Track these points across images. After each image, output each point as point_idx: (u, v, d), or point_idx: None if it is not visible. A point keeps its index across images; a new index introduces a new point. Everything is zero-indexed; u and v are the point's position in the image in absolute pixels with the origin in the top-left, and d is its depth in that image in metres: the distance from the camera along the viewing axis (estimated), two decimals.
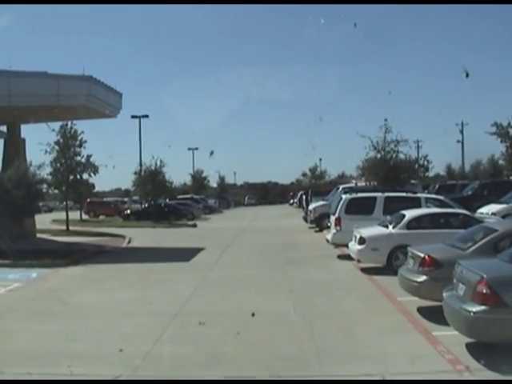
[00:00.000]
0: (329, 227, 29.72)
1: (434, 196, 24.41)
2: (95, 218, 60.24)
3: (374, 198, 21.94)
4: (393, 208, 20.60)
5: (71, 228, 38.38)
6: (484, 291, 8.41)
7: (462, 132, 69.18)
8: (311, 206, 36.43)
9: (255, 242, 29.40)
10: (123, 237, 32.06)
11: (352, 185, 36.34)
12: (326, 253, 22.85)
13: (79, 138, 35.64)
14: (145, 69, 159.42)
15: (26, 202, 25.68)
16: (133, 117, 60.48)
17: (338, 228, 21.82)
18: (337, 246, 22.71)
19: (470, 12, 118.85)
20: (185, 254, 23.42)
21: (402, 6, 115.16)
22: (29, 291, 16.11)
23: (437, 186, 40.17)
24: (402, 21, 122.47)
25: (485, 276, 8.52)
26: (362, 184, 35.92)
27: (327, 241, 23.23)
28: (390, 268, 17.06)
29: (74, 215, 53.95)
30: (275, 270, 19.00)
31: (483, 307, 8.38)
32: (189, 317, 12.28)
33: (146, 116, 61.70)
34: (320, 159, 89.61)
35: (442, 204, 21.00)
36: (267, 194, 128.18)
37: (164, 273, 19.08)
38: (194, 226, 45.67)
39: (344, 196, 22.74)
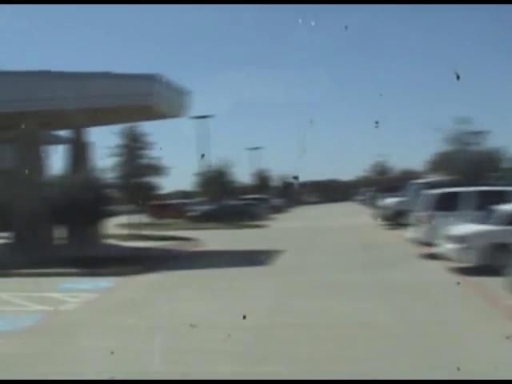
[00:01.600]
0: (407, 225, 28.50)
1: None
2: (160, 220, 59.64)
3: (467, 193, 20.36)
4: (486, 203, 19.05)
5: (138, 232, 37.45)
6: None
7: None
8: (385, 203, 34.87)
9: (331, 242, 28.00)
10: (193, 240, 30.99)
11: (428, 180, 34.60)
12: (410, 252, 21.48)
13: (145, 139, 34.87)
14: (137, 69, 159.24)
15: (96, 207, 25.03)
16: (197, 117, 60.29)
17: (427, 226, 20.25)
18: (424, 244, 21.17)
19: (466, 12, 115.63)
20: (261, 258, 22.22)
21: (393, 6, 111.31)
22: (103, 302, 15.18)
23: None
24: (394, 22, 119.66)
25: None
26: (436, 179, 34.14)
27: (411, 240, 21.65)
28: (488, 268, 15.52)
29: (138, 219, 53.56)
30: (361, 273, 17.67)
31: None
32: (278, 329, 11.08)
33: (211, 116, 61.31)
34: (381, 154, 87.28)
35: None
36: (328, 191, 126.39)
37: (243, 279, 17.80)
38: (262, 226, 44.63)
39: (433, 191, 21.12)
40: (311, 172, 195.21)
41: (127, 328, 12.06)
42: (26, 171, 23.34)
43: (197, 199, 70.97)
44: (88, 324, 12.69)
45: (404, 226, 31.48)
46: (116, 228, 45.33)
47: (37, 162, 26.36)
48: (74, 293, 16.15)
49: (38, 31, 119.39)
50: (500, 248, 15.57)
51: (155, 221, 58.38)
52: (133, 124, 34.16)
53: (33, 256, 21.31)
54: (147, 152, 35.12)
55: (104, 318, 13.16)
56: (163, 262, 22.37)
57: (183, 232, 38.12)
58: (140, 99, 24.55)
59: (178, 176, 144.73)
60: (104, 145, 34.91)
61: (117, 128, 34.28)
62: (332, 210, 70.50)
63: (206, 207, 58.53)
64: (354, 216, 50.73)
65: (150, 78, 24.81)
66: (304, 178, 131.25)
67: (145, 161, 35.27)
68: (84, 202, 23.64)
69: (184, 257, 24.76)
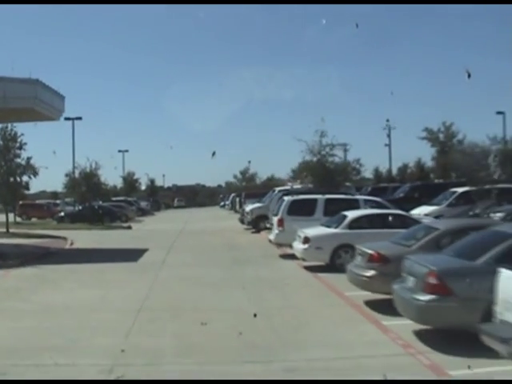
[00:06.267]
0: (267, 228, 30.81)
1: (371, 198, 25.55)
2: (28, 220, 59.53)
3: (315, 200, 23.07)
4: (333, 209, 21.75)
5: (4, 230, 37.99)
6: (434, 282, 9.46)
7: (389, 136, 70.46)
8: (248, 208, 37.41)
9: (196, 243, 30.04)
10: (65, 238, 32.17)
11: (288, 187, 37.44)
12: (269, 253, 23.91)
13: (19, 140, 35.66)
14: (146, 70, 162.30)
15: None
16: (66, 119, 60.05)
17: (281, 228, 22.81)
18: (279, 245, 23.75)
19: (470, 13, 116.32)
20: (131, 255, 24.05)
21: (403, 6, 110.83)
22: None
23: (369, 189, 41.56)
24: (404, 22, 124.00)
25: (434, 268, 9.61)
26: (297, 186, 37.10)
27: (270, 241, 24.23)
28: (332, 266, 18.28)
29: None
30: (224, 269, 19.79)
31: (433, 296, 9.44)
32: (152, 312, 13.04)
33: (80, 118, 61.43)
34: (249, 161, 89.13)
35: (379, 205, 22.34)
36: (196, 196, 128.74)
37: (116, 273, 19.51)
38: (129, 227, 46.13)
39: (286, 198, 23.74)
40: (180, 177, 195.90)
41: (13, 310, 13.62)
42: None
43: (66, 200, 71.00)
44: None
45: (265, 229, 34.26)
46: None
47: None
48: None
49: None
50: (343, 248, 18.27)
51: (23, 220, 58.23)
52: (10, 124, 34.96)
53: None
54: (22, 152, 35.93)
55: None
56: (40, 258, 23.62)
57: (54, 232, 38.65)
58: (23, 102, 25.75)
59: (50, 176, 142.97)
60: None
61: None
62: (199, 214, 72.55)
63: (72, 208, 58.97)
64: (220, 220, 53.02)
65: (33, 83, 26.06)
66: (171, 181, 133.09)
67: (20, 161, 36.06)
68: None
69: (59, 253, 26.00)
